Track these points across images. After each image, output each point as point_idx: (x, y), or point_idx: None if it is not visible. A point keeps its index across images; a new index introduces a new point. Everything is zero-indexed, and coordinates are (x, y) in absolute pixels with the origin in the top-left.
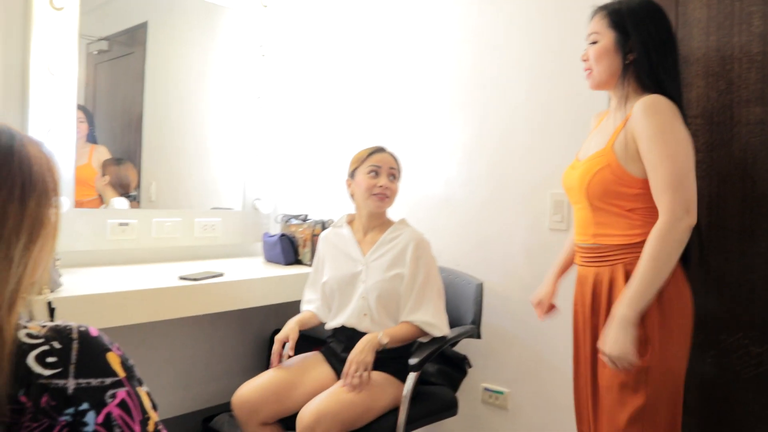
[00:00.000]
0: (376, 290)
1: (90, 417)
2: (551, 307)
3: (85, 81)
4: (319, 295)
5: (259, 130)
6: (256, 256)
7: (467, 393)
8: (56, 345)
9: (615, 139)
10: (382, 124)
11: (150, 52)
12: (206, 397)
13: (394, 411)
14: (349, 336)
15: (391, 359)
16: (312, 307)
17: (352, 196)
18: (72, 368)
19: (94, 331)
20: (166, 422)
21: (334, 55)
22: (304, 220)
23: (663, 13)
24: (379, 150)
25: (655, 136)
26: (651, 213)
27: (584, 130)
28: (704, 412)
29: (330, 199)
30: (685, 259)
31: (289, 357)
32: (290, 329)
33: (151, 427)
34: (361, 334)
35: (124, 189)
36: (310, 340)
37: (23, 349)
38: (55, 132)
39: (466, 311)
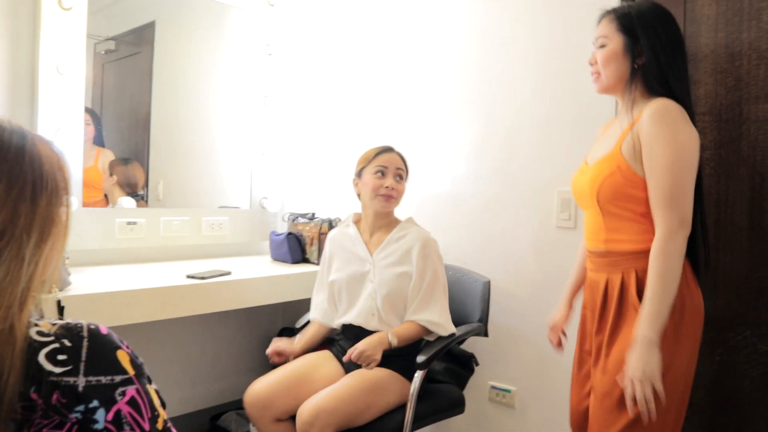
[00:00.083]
0: (384, 289)
1: (100, 414)
2: (562, 335)
3: (93, 81)
4: (326, 296)
5: (266, 128)
6: (263, 255)
7: (474, 391)
8: (67, 343)
9: (622, 141)
10: (389, 122)
11: (157, 51)
12: (214, 395)
13: (400, 408)
14: (356, 334)
15: (397, 357)
16: (318, 316)
17: (358, 195)
18: (82, 366)
19: (104, 329)
20: (173, 420)
21: (340, 53)
22: (311, 218)
23: (671, 17)
24: (387, 150)
25: (660, 145)
26: None
27: (591, 127)
28: (711, 410)
29: (337, 198)
30: (694, 261)
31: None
32: (289, 351)
33: (160, 424)
34: (369, 332)
35: (131, 189)
36: None
37: (34, 347)
38: (63, 131)
39: (473, 309)
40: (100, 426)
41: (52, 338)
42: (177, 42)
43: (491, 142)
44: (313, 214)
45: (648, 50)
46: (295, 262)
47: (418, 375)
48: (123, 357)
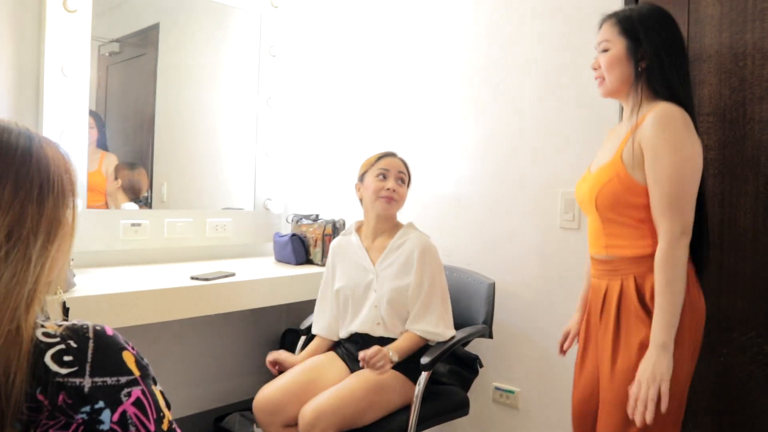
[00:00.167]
0: (387, 298)
1: (105, 415)
2: (572, 341)
3: (98, 82)
4: (329, 308)
5: (269, 130)
6: (267, 256)
7: (478, 392)
8: (73, 344)
9: (623, 148)
10: (393, 123)
11: (161, 53)
12: (218, 396)
13: (405, 410)
14: (364, 340)
15: (406, 361)
16: (321, 330)
17: (361, 200)
18: (88, 367)
19: (109, 331)
20: (178, 421)
21: (344, 55)
22: (315, 219)
23: (672, 19)
24: (389, 154)
25: (662, 153)
26: None
27: (595, 128)
28: (717, 411)
29: (341, 199)
30: (696, 263)
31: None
32: (291, 362)
33: (165, 425)
34: (375, 339)
35: (134, 194)
36: None
37: (40, 348)
38: (68, 133)
39: (478, 311)
40: (105, 427)
41: (58, 339)
42: (181, 44)
43: (495, 144)
44: (317, 216)
45: (651, 53)
46: (299, 263)
47: (423, 376)
48: (128, 358)
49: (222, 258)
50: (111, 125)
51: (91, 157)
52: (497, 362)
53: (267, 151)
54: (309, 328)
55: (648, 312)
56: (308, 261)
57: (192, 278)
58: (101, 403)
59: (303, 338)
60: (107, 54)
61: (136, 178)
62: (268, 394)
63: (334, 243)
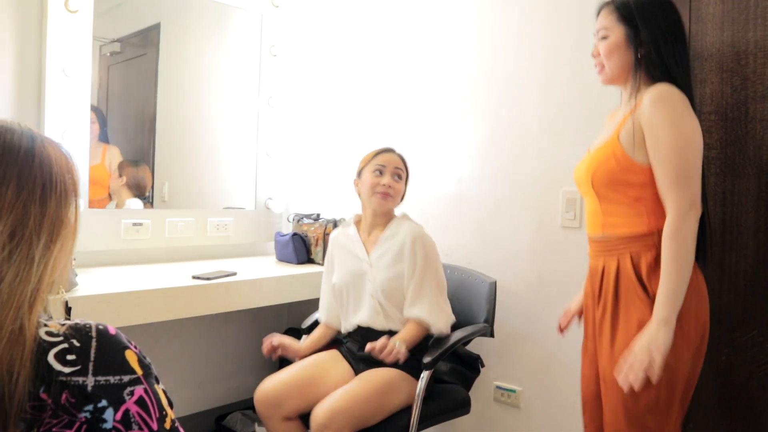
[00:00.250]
0: (382, 287)
1: (109, 414)
2: (572, 319)
3: (99, 82)
4: (331, 298)
5: (270, 129)
6: (268, 256)
7: (480, 391)
8: (75, 343)
9: (621, 128)
10: (395, 122)
11: (163, 53)
12: (219, 395)
13: (407, 409)
14: (364, 335)
15: (409, 357)
16: (325, 318)
17: (359, 195)
18: (91, 366)
19: (112, 330)
20: (179, 420)
21: (345, 54)
22: (316, 219)
23: (671, 3)
24: (387, 150)
25: (663, 129)
26: (656, 202)
27: (597, 127)
28: (718, 409)
29: (342, 198)
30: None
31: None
32: (295, 349)
33: (168, 424)
34: (377, 332)
35: (139, 191)
36: None
37: (43, 347)
38: (69, 133)
39: (479, 310)
40: (108, 425)
41: (61, 338)
42: (182, 43)
43: (497, 143)
44: (318, 215)
45: (648, 40)
46: (300, 262)
47: (424, 375)
48: (131, 357)
49: (223, 257)
50: (112, 125)
51: (94, 150)
52: (499, 361)
53: (268, 151)
54: (310, 327)
55: (645, 289)
56: (309, 260)
57: (193, 277)
58: (104, 402)
59: (304, 337)
60: (108, 54)
61: (141, 175)
62: (269, 387)
63: (333, 235)
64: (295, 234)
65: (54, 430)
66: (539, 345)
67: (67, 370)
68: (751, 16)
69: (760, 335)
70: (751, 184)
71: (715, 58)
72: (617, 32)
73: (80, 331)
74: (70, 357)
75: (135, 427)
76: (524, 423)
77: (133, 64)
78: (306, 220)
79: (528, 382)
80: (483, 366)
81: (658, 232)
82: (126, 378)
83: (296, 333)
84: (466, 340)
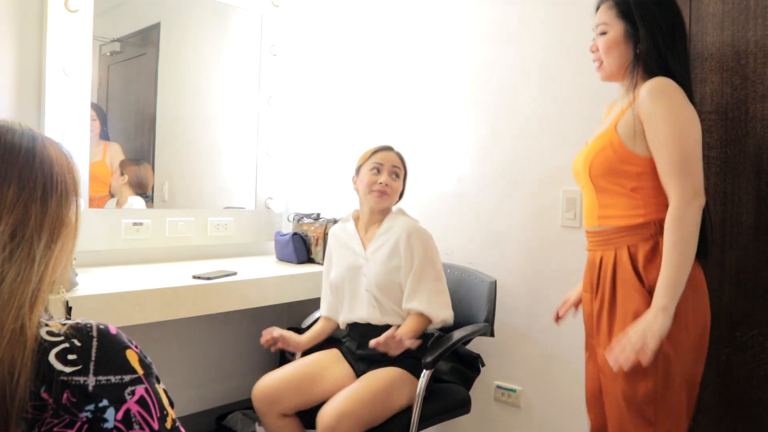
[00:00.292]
0: (377, 281)
1: (110, 413)
2: (569, 308)
3: (99, 82)
4: (330, 292)
5: (270, 129)
6: (268, 255)
7: (480, 391)
8: (76, 342)
9: (619, 119)
10: (395, 122)
11: (163, 52)
12: (219, 395)
13: (407, 408)
14: (361, 333)
15: (408, 356)
16: (326, 311)
17: (357, 192)
18: (92, 365)
19: (113, 329)
20: (180, 420)
21: (345, 54)
22: (316, 218)
23: (671, 0)
24: (385, 148)
25: (662, 119)
26: (653, 193)
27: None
28: (719, 409)
29: (342, 198)
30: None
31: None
32: (296, 342)
33: (169, 423)
34: (375, 328)
35: (142, 189)
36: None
37: (44, 347)
38: (69, 133)
39: (479, 309)
40: (109, 425)
41: (62, 338)
42: (182, 43)
43: (497, 142)
44: (318, 215)
45: (647, 36)
46: (301, 262)
47: (425, 375)
48: (132, 356)
49: (223, 257)
50: (112, 124)
51: (95, 148)
52: (499, 361)
53: (268, 150)
54: (311, 326)
55: (642, 280)
56: (309, 260)
57: (194, 277)
58: (105, 402)
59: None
60: (108, 53)
61: (143, 174)
62: (267, 383)
63: (332, 230)
64: (295, 234)
65: (55, 429)
66: (539, 345)
67: (68, 369)
68: (751, 16)
69: (760, 335)
70: (751, 184)
71: (715, 57)
72: (616, 28)
73: (81, 331)
74: (71, 357)
75: (136, 426)
76: (525, 423)
77: (133, 64)
78: (306, 220)
79: (528, 381)
80: (483, 365)
81: (655, 223)
82: (127, 377)
83: (297, 333)
84: (467, 340)
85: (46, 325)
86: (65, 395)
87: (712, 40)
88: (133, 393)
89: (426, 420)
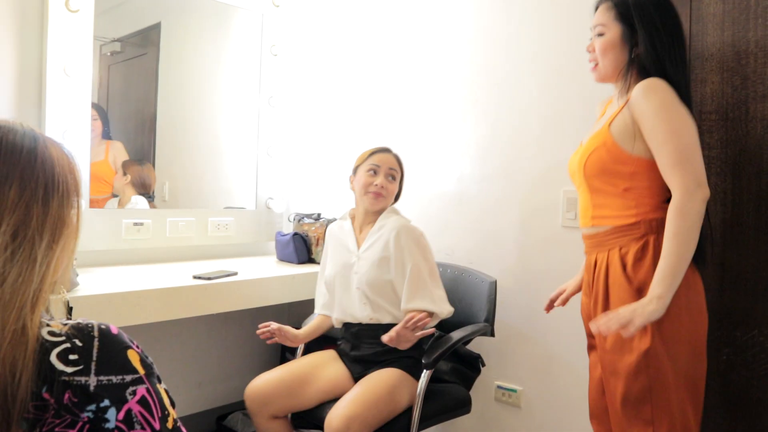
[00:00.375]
0: (367, 279)
1: (111, 413)
2: (567, 299)
3: (99, 82)
4: (325, 288)
5: (271, 129)
6: (269, 255)
7: (480, 391)
8: (78, 343)
9: (613, 119)
10: (395, 121)
11: (163, 52)
12: (220, 395)
13: (408, 408)
14: (354, 334)
15: (406, 357)
16: (320, 308)
17: (353, 191)
18: (93, 365)
19: (114, 329)
20: (180, 420)
21: (346, 54)
22: (317, 218)
23: (669, 2)
24: (382, 150)
25: (657, 115)
26: (646, 194)
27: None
28: (719, 409)
29: (343, 198)
30: (697, 260)
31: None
32: (294, 335)
33: (170, 423)
34: (367, 327)
35: (145, 189)
36: (321, 337)
37: (46, 347)
38: (70, 133)
39: (479, 309)
40: (111, 425)
41: (63, 338)
42: (182, 43)
43: (497, 142)
44: (319, 215)
45: (645, 40)
46: (301, 262)
47: (425, 375)
48: (133, 356)
49: (224, 257)
50: (113, 125)
51: (97, 148)
52: (500, 361)
53: (269, 151)
54: None
55: (629, 281)
56: (310, 260)
57: (194, 277)
58: (107, 402)
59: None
60: (109, 53)
61: (146, 173)
62: (259, 384)
63: (330, 227)
64: (295, 234)
65: (57, 429)
66: (540, 345)
67: (69, 369)
68: (752, 16)
69: (760, 335)
70: (752, 184)
71: (716, 57)
72: (614, 30)
73: (82, 331)
74: (72, 357)
75: (137, 426)
76: (525, 423)
77: (133, 64)
78: (307, 220)
79: (529, 381)
80: (484, 365)
81: (646, 222)
82: (128, 377)
83: None
84: (467, 340)
85: (48, 325)
86: (66, 395)
87: (713, 41)
88: (134, 393)
89: (426, 420)
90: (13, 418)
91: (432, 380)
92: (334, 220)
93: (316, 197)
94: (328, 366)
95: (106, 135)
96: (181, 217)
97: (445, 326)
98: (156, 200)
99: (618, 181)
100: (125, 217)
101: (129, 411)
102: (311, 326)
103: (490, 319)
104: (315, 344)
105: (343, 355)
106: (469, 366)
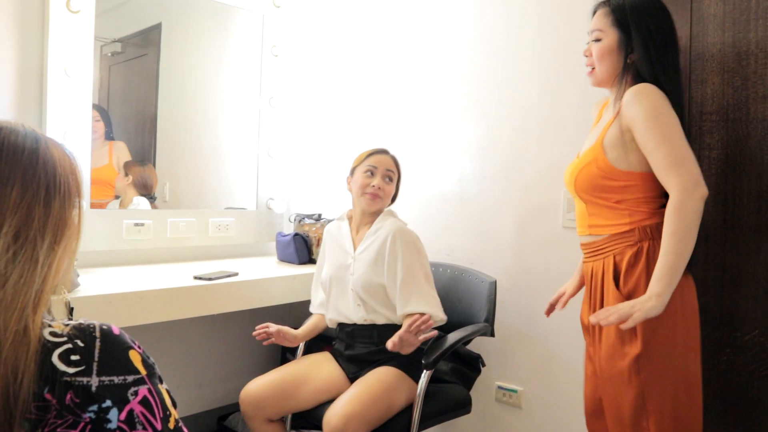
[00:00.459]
0: (362, 282)
1: (113, 414)
2: (566, 302)
3: (100, 82)
4: (321, 289)
5: (272, 129)
6: (269, 256)
7: (481, 391)
8: (79, 343)
9: (605, 133)
10: (396, 122)
11: (164, 53)
12: (220, 395)
13: (407, 409)
14: (348, 334)
15: (401, 355)
16: (316, 308)
17: (350, 192)
18: (95, 366)
19: (116, 330)
20: (181, 421)
21: (346, 55)
22: (318, 219)
23: (665, 10)
24: (380, 151)
25: (648, 120)
26: (638, 204)
27: None
28: (720, 410)
29: (343, 199)
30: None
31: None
32: (293, 335)
33: (172, 424)
34: (362, 327)
35: (147, 190)
36: (318, 338)
37: (48, 348)
38: (71, 133)
39: (480, 309)
40: (113, 425)
41: (65, 339)
42: (183, 44)
43: (497, 143)
44: (320, 215)
45: (639, 47)
46: (302, 262)
47: (425, 375)
48: (135, 357)
49: (225, 258)
50: (114, 125)
51: (100, 150)
52: (500, 361)
53: (269, 151)
54: None
55: (619, 288)
56: (311, 260)
57: (195, 278)
58: (108, 402)
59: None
60: (109, 54)
61: (147, 174)
62: (255, 388)
63: (328, 227)
64: (296, 234)
65: (59, 430)
66: (540, 345)
67: (71, 370)
68: (752, 17)
69: (761, 335)
70: (753, 185)
71: (716, 58)
72: (611, 36)
73: (84, 332)
74: (74, 357)
75: (139, 427)
76: (526, 423)
77: (134, 64)
78: (307, 221)
79: (529, 382)
80: (484, 365)
81: (640, 229)
82: (130, 378)
83: None
84: (467, 340)
85: (50, 326)
86: (68, 396)
87: (713, 41)
88: (136, 393)
89: (427, 420)
90: (15, 419)
91: (432, 380)
92: (335, 220)
93: (317, 198)
94: (322, 367)
95: (109, 136)
96: (181, 218)
97: (446, 326)
98: (157, 200)
99: (609, 195)
100: (126, 218)
101: (131, 411)
102: (309, 325)
103: (490, 320)
104: (314, 344)
105: (337, 355)
106: (470, 366)
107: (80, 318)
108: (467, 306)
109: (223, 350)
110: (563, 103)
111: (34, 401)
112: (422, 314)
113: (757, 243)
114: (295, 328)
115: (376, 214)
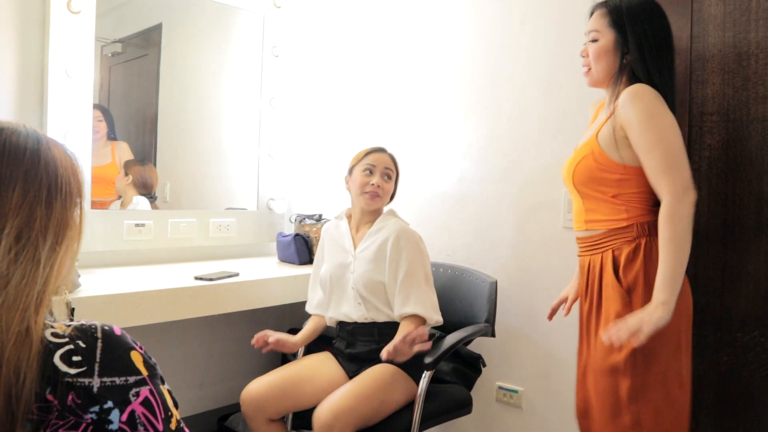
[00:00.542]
0: (362, 281)
1: (114, 415)
2: (569, 309)
3: (101, 83)
4: (320, 288)
5: (272, 130)
6: (270, 256)
7: (481, 391)
8: (81, 344)
9: (601, 128)
10: (396, 122)
11: (164, 53)
12: (221, 396)
13: (408, 408)
14: (349, 332)
15: None
16: (314, 308)
17: (349, 191)
18: (97, 367)
19: (117, 330)
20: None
21: (347, 55)
22: (318, 219)
23: (661, 11)
24: (378, 150)
25: (643, 122)
26: (635, 199)
27: None
28: (720, 410)
29: (344, 199)
30: None
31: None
32: (293, 342)
33: (173, 424)
34: (362, 326)
35: (147, 190)
36: (319, 338)
37: (49, 349)
38: (72, 134)
39: (480, 310)
40: (114, 426)
41: (66, 340)
42: (184, 44)
43: (498, 143)
44: (320, 216)
45: (635, 48)
46: (303, 263)
47: (426, 376)
48: (136, 358)
49: (225, 258)
50: (115, 125)
51: (102, 150)
52: (501, 362)
53: (270, 152)
54: None
55: (620, 282)
56: (311, 261)
57: (196, 278)
58: (110, 403)
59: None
60: (110, 54)
61: (147, 174)
62: (254, 389)
63: (326, 226)
64: (297, 235)
65: (60, 431)
66: (541, 345)
67: (72, 371)
68: (753, 17)
69: (761, 336)
70: (753, 185)
71: (717, 59)
72: (607, 37)
73: (86, 332)
74: (75, 358)
75: (141, 427)
76: (526, 423)
77: (134, 65)
78: (308, 221)
79: (530, 382)
80: (485, 365)
81: (638, 225)
82: (131, 379)
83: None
84: (468, 340)
85: (51, 326)
86: (70, 397)
87: (714, 42)
88: (137, 394)
89: (427, 420)
90: (17, 420)
91: (433, 380)
92: None
93: (318, 198)
94: (323, 366)
95: (111, 136)
96: (182, 218)
97: (446, 327)
98: (157, 201)
99: (606, 189)
100: (127, 218)
101: (132, 412)
102: (307, 330)
103: (491, 320)
104: (314, 345)
105: (338, 354)
106: (470, 366)
107: (82, 319)
108: (468, 306)
109: (224, 350)
110: (564, 103)
111: (35, 402)
112: (419, 319)
113: (756, 243)
114: (296, 329)
115: (376, 212)
